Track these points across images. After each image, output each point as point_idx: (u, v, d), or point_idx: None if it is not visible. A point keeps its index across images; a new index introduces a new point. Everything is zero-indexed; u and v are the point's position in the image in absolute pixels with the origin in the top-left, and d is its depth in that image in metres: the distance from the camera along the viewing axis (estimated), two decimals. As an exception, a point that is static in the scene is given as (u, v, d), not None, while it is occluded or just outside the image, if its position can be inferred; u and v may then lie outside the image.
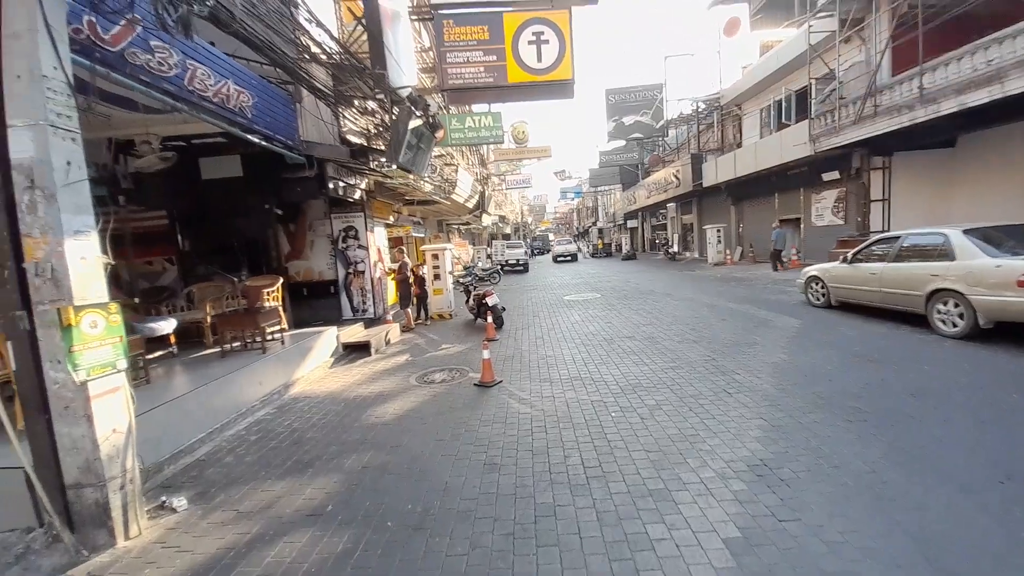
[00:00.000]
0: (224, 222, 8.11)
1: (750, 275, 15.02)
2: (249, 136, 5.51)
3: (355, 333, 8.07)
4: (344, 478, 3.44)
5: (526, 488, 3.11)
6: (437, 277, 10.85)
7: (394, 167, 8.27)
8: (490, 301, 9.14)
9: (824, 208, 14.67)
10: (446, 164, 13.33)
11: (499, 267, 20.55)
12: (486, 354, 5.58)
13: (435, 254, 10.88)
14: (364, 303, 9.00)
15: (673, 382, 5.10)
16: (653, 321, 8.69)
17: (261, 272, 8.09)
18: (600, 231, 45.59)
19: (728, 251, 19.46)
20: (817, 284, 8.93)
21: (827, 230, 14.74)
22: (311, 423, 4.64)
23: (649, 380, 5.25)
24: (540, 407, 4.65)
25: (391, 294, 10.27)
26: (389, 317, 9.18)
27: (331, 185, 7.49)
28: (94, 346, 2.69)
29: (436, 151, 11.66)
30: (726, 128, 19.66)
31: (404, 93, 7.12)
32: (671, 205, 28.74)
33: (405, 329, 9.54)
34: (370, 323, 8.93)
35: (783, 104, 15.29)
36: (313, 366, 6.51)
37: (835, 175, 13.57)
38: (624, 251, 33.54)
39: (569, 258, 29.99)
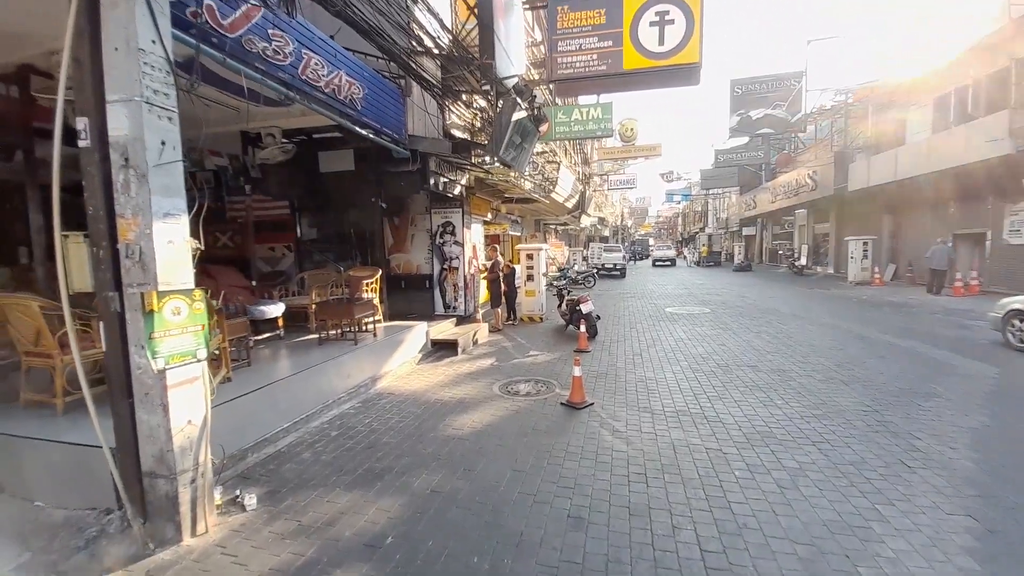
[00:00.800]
0: (338, 214, 8.52)
1: (909, 300, 12.22)
2: (358, 128, 5.52)
3: (444, 330, 7.94)
4: (410, 501, 3.07)
5: (621, 566, 2.43)
6: (530, 278, 10.41)
7: (495, 162, 7.98)
8: (584, 308, 8.44)
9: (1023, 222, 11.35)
10: (548, 162, 12.84)
11: (595, 271, 19.60)
12: (577, 370, 4.93)
13: (530, 254, 10.45)
14: (456, 300, 8.88)
15: (820, 437, 3.96)
16: (781, 348, 7.26)
17: (369, 263, 8.33)
18: (709, 237, 41.81)
19: (877, 269, 16.22)
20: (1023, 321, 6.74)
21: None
22: (389, 425, 4.43)
23: (784, 430, 4.16)
24: (639, 446, 3.89)
25: (482, 292, 10.06)
26: (479, 316, 8.95)
27: (432, 180, 7.40)
28: (175, 334, 2.61)
29: (538, 147, 11.22)
30: (883, 122, 16.33)
31: (510, 83, 6.74)
32: (801, 212, 25.05)
33: (493, 330, 9.25)
34: (460, 320, 8.78)
35: (971, 92, 12.12)
36: (401, 361, 6.44)
37: (1050, 179, 10.36)
38: (737, 261, 30.20)
39: (668, 263, 32.70)
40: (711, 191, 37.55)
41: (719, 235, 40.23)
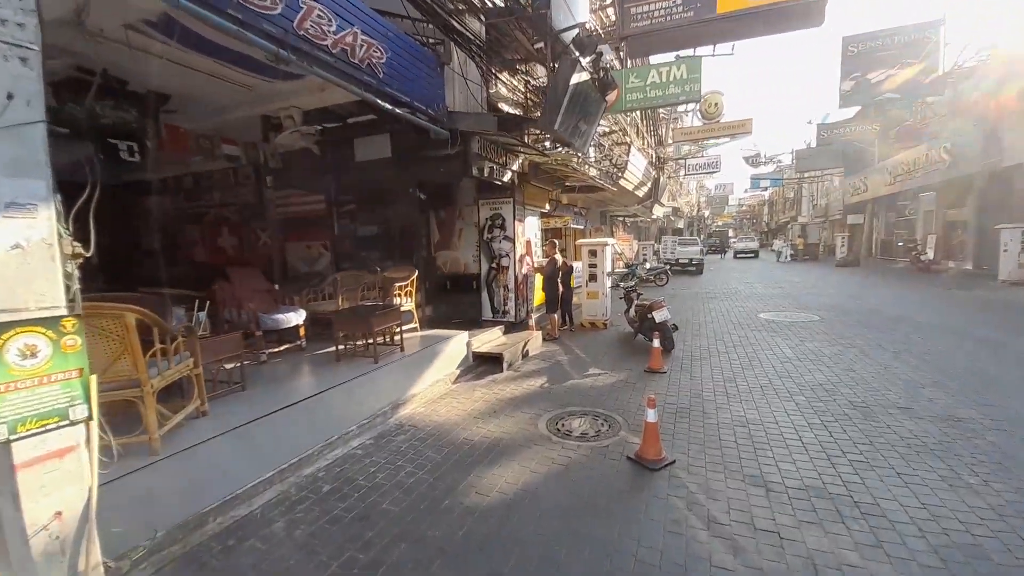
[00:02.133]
0: (377, 207, 7.77)
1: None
2: (380, 101, 4.55)
3: (490, 340, 6.87)
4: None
5: None
6: (593, 278, 9.02)
7: (549, 140, 6.72)
8: (658, 316, 6.94)
9: None
10: (616, 143, 11.26)
11: (667, 266, 17.56)
12: (651, 414, 3.58)
13: (593, 250, 9.06)
14: (505, 303, 7.78)
15: (1090, 576, 2.31)
16: (937, 379, 5.29)
17: (413, 261, 7.49)
18: (803, 227, 37.02)
19: (1045, 266, 12.66)
20: None
21: None
22: (397, 480, 3.41)
23: (1003, 543, 2.54)
24: (756, 560, 2.50)
25: (537, 294, 8.86)
26: (532, 322, 7.78)
27: (476, 166, 6.31)
28: (27, 385, 1.71)
29: (604, 125, 9.73)
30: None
31: (570, 38, 5.43)
32: (926, 196, 20.81)
33: (548, 338, 8.03)
34: (510, 328, 7.67)
35: None
36: (435, 379, 5.46)
37: None
38: (840, 254, 26.10)
39: (751, 255, 32.29)
40: (807, 174, 32.96)
41: (816, 224, 35.41)
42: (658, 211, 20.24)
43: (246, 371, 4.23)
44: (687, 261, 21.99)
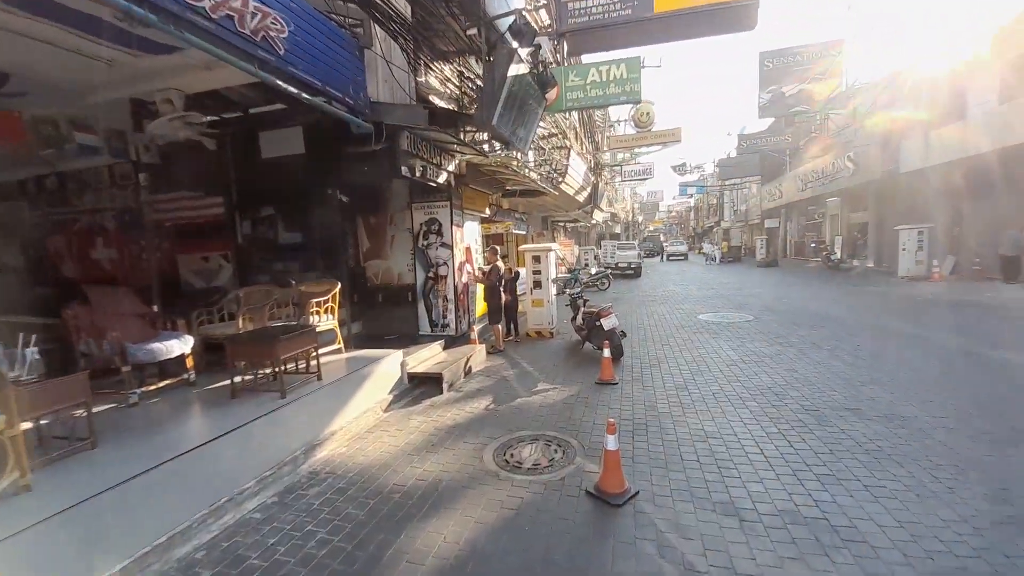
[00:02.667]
0: (292, 212, 6.83)
1: (988, 298, 10.20)
2: (281, 83, 3.80)
3: (428, 358, 6.19)
4: None
5: None
6: (537, 285, 8.63)
7: (488, 139, 6.24)
8: (606, 324, 6.66)
9: None
10: (556, 147, 11.05)
11: (607, 271, 17.74)
12: (611, 442, 3.14)
13: (536, 256, 8.67)
14: (445, 316, 7.14)
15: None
16: (875, 376, 5.39)
17: (341, 272, 6.61)
18: (727, 232, 39.67)
19: (936, 262, 14.16)
20: None
21: None
22: (302, 554, 2.68)
23: (984, 555, 2.34)
24: (744, 616, 2.10)
25: (479, 304, 8.30)
26: (474, 335, 7.19)
27: (406, 165, 5.66)
28: None
29: (544, 127, 9.44)
30: (938, 92, 14.24)
31: (506, 25, 4.98)
32: (833, 201, 22.92)
33: (492, 351, 7.49)
34: (451, 342, 7.04)
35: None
36: (362, 409, 4.70)
37: None
38: (760, 256, 28.08)
39: (681, 257, 35.13)
40: (728, 182, 35.37)
41: (737, 228, 38.08)
42: (598, 216, 20.51)
43: (104, 419, 3.28)
44: (626, 265, 22.48)
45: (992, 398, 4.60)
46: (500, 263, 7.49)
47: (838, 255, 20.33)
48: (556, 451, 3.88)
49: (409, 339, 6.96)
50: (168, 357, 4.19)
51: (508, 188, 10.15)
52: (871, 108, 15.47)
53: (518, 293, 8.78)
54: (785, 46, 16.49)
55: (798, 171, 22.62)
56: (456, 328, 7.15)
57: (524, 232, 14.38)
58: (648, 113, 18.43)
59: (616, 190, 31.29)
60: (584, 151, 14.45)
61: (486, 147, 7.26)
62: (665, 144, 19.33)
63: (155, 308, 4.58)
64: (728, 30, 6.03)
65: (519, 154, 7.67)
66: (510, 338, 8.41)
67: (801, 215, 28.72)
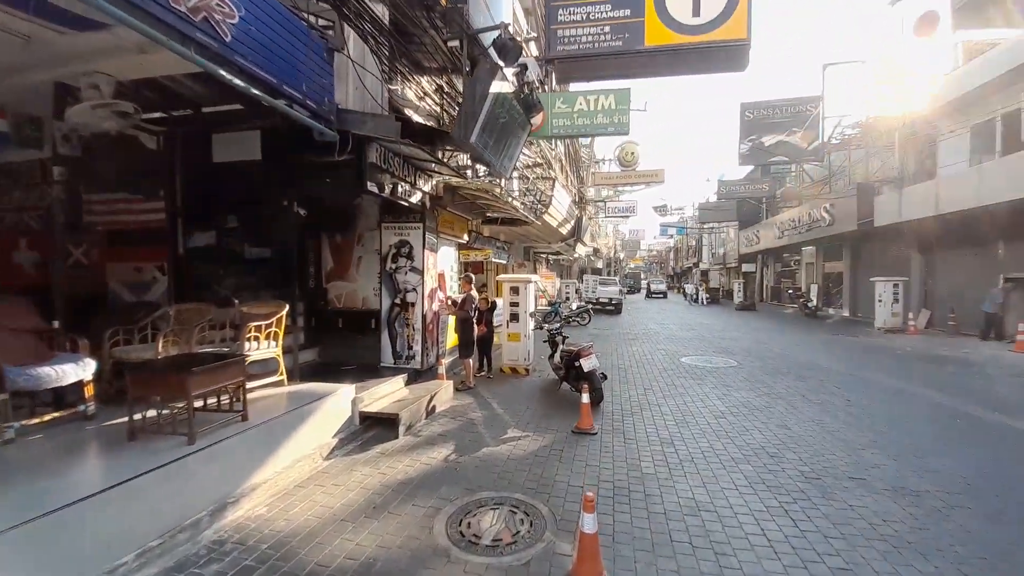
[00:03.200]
0: (246, 223, 6.20)
1: (967, 354, 10.12)
2: (225, 73, 3.28)
3: (386, 395, 5.51)
4: None
5: None
6: (514, 318, 8.08)
7: (468, 159, 5.83)
8: (586, 365, 6.13)
9: (1113, 267, 9.46)
10: (540, 177, 10.79)
11: (588, 306, 17.37)
12: (589, 522, 2.52)
13: (515, 287, 8.17)
14: (411, 347, 6.50)
15: None
16: (872, 438, 4.96)
17: (293, 292, 5.92)
18: (705, 273, 40.27)
19: (912, 315, 14.26)
20: None
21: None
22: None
23: None
24: None
25: (451, 335, 7.69)
26: (442, 370, 6.54)
27: (374, 179, 5.15)
28: None
29: (529, 155, 9.15)
30: (908, 153, 14.79)
31: (489, 40, 4.64)
32: (808, 249, 23.43)
33: (461, 387, 6.83)
34: (415, 377, 6.37)
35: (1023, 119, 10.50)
36: (296, 456, 3.98)
37: None
38: (737, 299, 28.34)
39: (661, 296, 36.52)
40: (707, 225, 36.16)
41: (715, 271, 38.71)
42: (580, 250, 20.35)
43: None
44: (607, 301, 22.23)
45: (996, 468, 4.19)
46: (474, 293, 6.95)
47: (815, 303, 20.53)
48: (522, 522, 3.23)
49: (369, 371, 6.27)
50: (60, 384, 3.44)
51: (489, 215, 9.75)
52: (847, 162, 16.03)
53: (494, 325, 8.21)
54: (765, 99, 17.09)
55: (775, 219, 23.15)
56: (422, 361, 6.50)
57: (505, 261, 13.95)
58: (633, 153, 18.66)
59: (599, 226, 31.52)
60: (569, 183, 14.33)
61: (469, 172, 6.86)
62: (648, 184, 19.54)
63: (55, 324, 3.84)
64: (718, 69, 5.88)
65: (502, 180, 7.30)
66: (482, 373, 7.77)
67: (777, 261, 29.33)
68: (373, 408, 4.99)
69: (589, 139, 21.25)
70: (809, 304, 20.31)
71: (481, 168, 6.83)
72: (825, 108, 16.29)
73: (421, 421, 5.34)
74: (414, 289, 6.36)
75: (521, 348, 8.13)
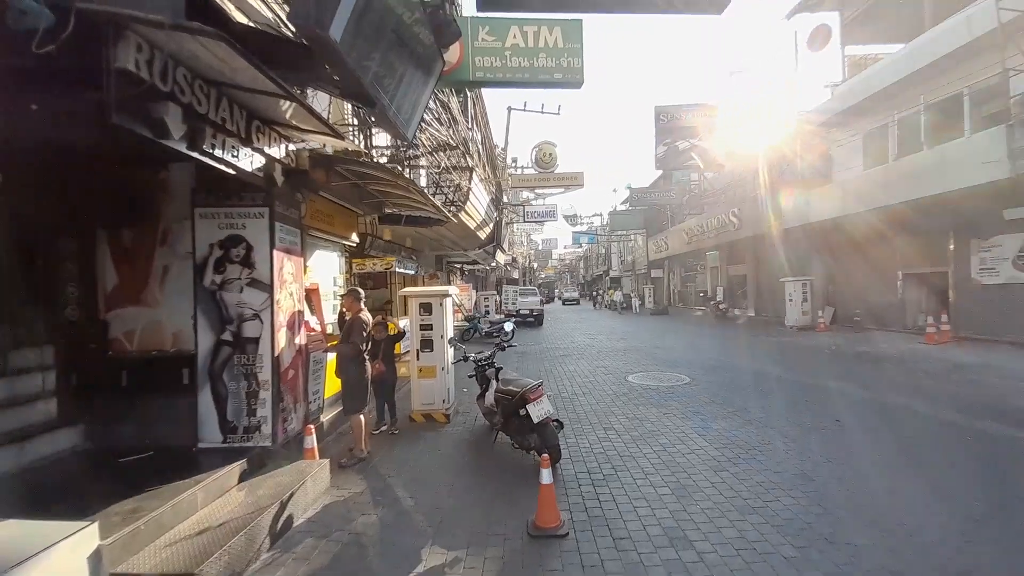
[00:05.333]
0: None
1: (884, 350, 10.10)
2: None
3: (188, 520, 2.98)
4: None
5: None
6: (427, 346, 5.88)
7: (343, 97, 3.64)
8: (535, 412, 4.22)
9: (1000, 259, 10.06)
10: (455, 167, 8.74)
11: (510, 319, 15.63)
12: None
13: (426, 303, 5.96)
14: (253, 411, 3.97)
15: None
16: (928, 482, 3.65)
17: (39, 330, 3.16)
18: (618, 280, 41.21)
19: (821, 313, 14.68)
20: None
21: (1004, 291, 10.04)
22: None
23: None
24: None
25: (330, 380, 5.23)
26: (311, 443, 4.09)
27: (129, 112, 2.68)
28: None
29: (439, 129, 7.10)
30: (810, 157, 15.50)
31: None
32: (712, 254, 24.33)
33: (348, 462, 4.46)
34: (260, 462, 3.86)
35: (922, 120, 11.05)
36: None
37: (1034, 211, 9.06)
38: (649, 305, 28.86)
39: (574, 302, 41.14)
40: (617, 232, 36.96)
41: (626, 278, 39.76)
42: (500, 258, 18.62)
43: None
44: (528, 312, 20.79)
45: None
46: (366, 315, 4.63)
47: (725, 305, 21.09)
48: None
49: (178, 459, 3.64)
50: None
51: (390, 211, 7.45)
52: (753, 167, 16.50)
53: (401, 354, 5.95)
54: (677, 103, 17.10)
55: (683, 225, 23.71)
56: (275, 432, 4.01)
57: (413, 272, 11.60)
58: (551, 154, 17.53)
59: (515, 233, 30.27)
60: (488, 178, 12.50)
61: (383, 158, 4.59)
62: (568, 188, 18.54)
63: None
64: (693, 10, 4.36)
65: (402, 147, 5.13)
66: (383, 428, 5.43)
67: (682, 267, 30.52)
68: (143, 567, 2.47)
69: (504, 140, 19.77)
70: (721, 306, 20.79)
71: (383, 145, 4.60)
72: (731, 113, 16.63)
73: (257, 560, 2.91)
74: (256, 316, 3.88)
75: (438, 386, 5.93)
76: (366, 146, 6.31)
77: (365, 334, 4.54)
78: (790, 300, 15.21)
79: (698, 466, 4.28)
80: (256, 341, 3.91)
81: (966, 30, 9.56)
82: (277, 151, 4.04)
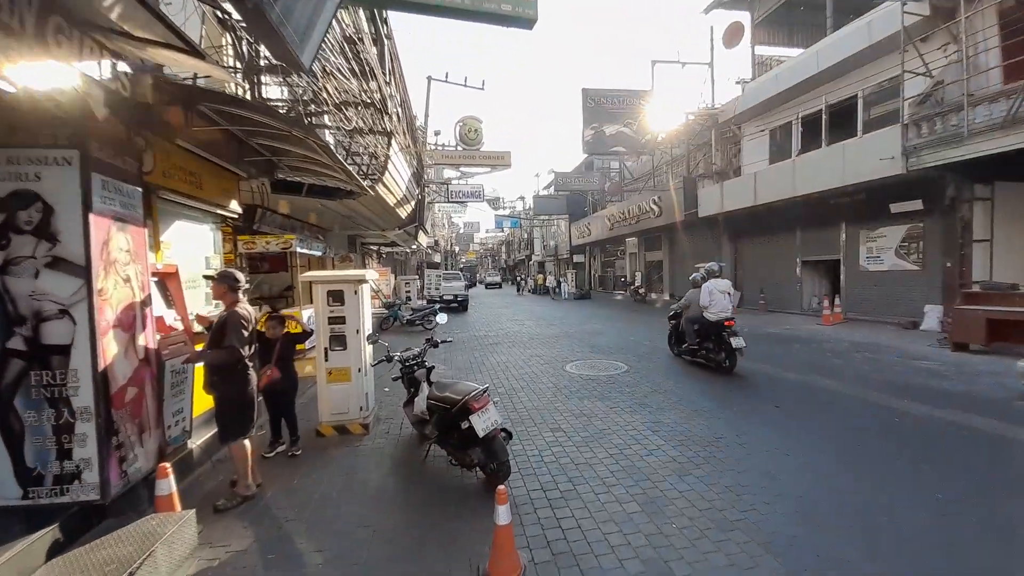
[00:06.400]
0: None
1: (787, 331, 10.89)
2: None
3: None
4: None
5: None
6: (338, 342, 4.78)
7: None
8: (480, 425, 3.47)
9: (883, 249, 11.24)
10: (372, 131, 7.45)
11: (436, 306, 14.63)
12: None
13: (337, 291, 4.83)
14: (68, 452, 2.69)
15: None
16: (896, 494, 3.53)
17: None
18: (542, 265, 41.54)
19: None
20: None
21: (887, 277, 11.26)
22: None
23: None
24: None
25: (199, 395, 3.95)
26: (169, 486, 2.90)
27: None
28: None
29: (350, 84, 5.87)
30: (726, 151, 16.31)
31: None
32: (631, 240, 25.18)
33: (226, 505, 3.32)
34: (80, 526, 2.62)
35: (823, 119, 11.92)
36: None
37: (916, 205, 10.14)
38: (572, 289, 29.35)
39: (497, 286, 42.21)
40: (540, 217, 37.05)
41: (549, 263, 40.21)
42: (423, 240, 17.31)
43: None
44: (452, 297, 19.85)
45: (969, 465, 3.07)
46: (245, 307, 3.45)
47: (644, 290, 21.92)
48: None
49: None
50: None
51: (289, 176, 6.06)
52: (669, 158, 17.09)
53: (304, 349, 4.80)
54: (607, 87, 16.97)
55: (605, 212, 24.17)
56: (107, 480, 2.76)
57: (321, 254, 10.06)
58: (476, 130, 16.52)
59: (437, 215, 28.78)
60: (408, 147, 11.20)
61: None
62: (494, 167, 17.70)
63: None
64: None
65: (301, 99, 3.94)
66: (279, 450, 4.30)
67: (603, 252, 31.44)
68: None
69: (423, 113, 18.27)
70: (640, 291, 21.57)
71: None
72: (654, 103, 16.93)
73: None
74: (64, 313, 2.58)
75: (353, 391, 4.88)
76: (255, 97, 4.91)
77: (247, 333, 3.37)
78: (704, 285, 15.99)
79: (660, 471, 3.82)
80: (65, 350, 2.61)
81: (867, 34, 10.31)
82: (96, 70, 2.71)
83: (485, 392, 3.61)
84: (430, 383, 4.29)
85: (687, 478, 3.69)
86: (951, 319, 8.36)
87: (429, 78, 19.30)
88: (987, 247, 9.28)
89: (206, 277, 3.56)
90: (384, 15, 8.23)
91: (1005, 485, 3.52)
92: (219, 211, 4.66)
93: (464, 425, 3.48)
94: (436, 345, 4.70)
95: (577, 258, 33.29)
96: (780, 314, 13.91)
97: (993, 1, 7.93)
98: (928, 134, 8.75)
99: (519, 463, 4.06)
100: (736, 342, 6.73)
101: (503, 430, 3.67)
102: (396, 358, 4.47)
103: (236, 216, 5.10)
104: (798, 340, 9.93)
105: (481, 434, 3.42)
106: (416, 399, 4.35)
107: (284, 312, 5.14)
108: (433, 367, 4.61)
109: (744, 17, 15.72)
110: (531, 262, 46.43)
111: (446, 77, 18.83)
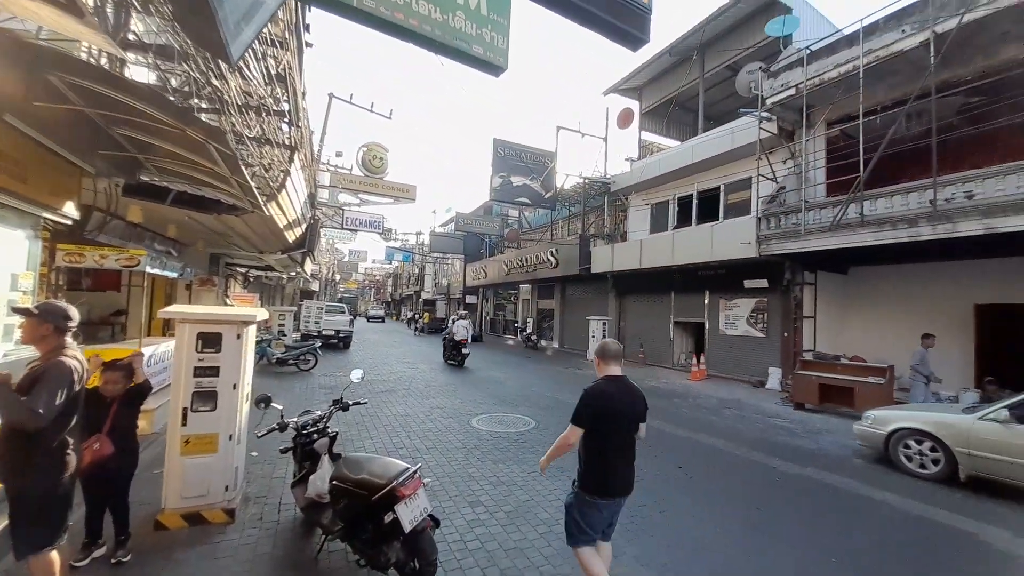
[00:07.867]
0: None
1: (664, 385, 11.97)
2: None
3: None
4: None
5: None
6: (203, 400, 3.67)
7: None
8: (408, 515, 2.81)
9: (737, 317, 13.18)
10: (266, 139, 6.41)
11: (315, 343, 12.95)
12: None
13: (213, 334, 3.75)
14: None
15: None
16: (781, 535, 3.74)
17: None
18: (431, 304, 40.41)
19: (615, 349, 16.73)
20: (922, 443, 5.75)
21: (740, 341, 13.15)
22: None
23: None
24: None
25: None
26: None
27: None
28: None
29: (259, 90, 5.04)
30: (615, 216, 18.00)
31: None
32: (525, 287, 26.00)
33: None
34: None
35: (694, 202, 13.96)
36: None
37: (762, 283, 12.16)
38: (471, 331, 28.86)
39: (380, 320, 44.51)
40: (434, 254, 36.45)
41: (440, 301, 39.38)
42: (308, 267, 15.41)
43: None
44: (333, 333, 17.88)
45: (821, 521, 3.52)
46: (75, 355, 2.38)
47: (535, 337, 22.49)
48: None
49: None
50: None
51: (148, 176, 4.77)
52: (567, 216, 18.32)
53: (146, 414, 3.56)
54: (516, 141, 17.75)
55: (504, 256, 24.73)
56: None
57: (176, 275, 8.16)
58: (381, 158, 15.73)
59: (321, 238, 26.26)
60: (308, 166, 10.00)
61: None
62: (398, 199, 16.91)
63: None
64: (611, 35, 3.83)
65: (201, 87, 3.09)
66: (97, 554, 3.01)
67: (495, 295, 31.87)
68: None
69: (320, 130, 16.93)
70: (532, 337, 22.07)
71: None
72: (557, 164, 18.20)
73: None
74: None
75: (218, 465, 3.74)
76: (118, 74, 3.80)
77: (70, 393, 2.30)
78: (593, 336, 16.97)
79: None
80: None
81: (730, 140, 12.50)
82: None
83: (416, 474, 2.98)
84: (334, 457, 3.47)
85: (622, 557, 3.48)
86: (792, 382, 9.95)
87: (331, 95, 18.08)
88: (812, 322, 11.44)
89: (15, 310, 2.37)
90: (307, 23, 7.42)
91: (882, 544, 3.99)
92: (43, 213, 3.35)
93: (387, 517, 2.79)
94: (346, 408, 3.86)
95: (470, 299, 33.17)
96: (656, 367, 15.30)
97: (823, 131, 10.27)
98: (775, 227, 10.69)
99: (440, 554, 3.42)
100: None
101: (431, 517, 3.05)
102: (291, 424, 3.54)
103: (70, 221, 3.75)
104: (676, 395, 10.86)
105: (408, 527, 2.78)
106: (312, 477, 3.45)
107: (125, 350, 3.82)
108: (337, 434, 3.77)
109: (635, 105, 18.08)
110: (419, 299, 45.03)
111: (350, 98, 17.86)
